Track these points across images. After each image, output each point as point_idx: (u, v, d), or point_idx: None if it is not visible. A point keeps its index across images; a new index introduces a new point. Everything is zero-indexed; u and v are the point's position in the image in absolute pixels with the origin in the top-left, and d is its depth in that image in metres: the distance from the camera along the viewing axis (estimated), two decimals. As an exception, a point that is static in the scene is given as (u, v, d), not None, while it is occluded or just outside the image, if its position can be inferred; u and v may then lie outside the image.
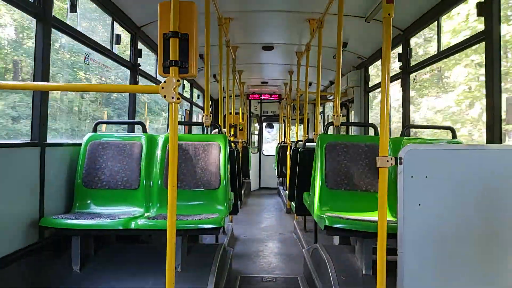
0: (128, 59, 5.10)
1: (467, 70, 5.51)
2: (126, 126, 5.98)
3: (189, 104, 9.23)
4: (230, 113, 8.95)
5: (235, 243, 5.86)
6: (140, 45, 5.34)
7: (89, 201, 3.67)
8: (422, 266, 2.29)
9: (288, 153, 8.46)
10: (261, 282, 4.19)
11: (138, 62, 5.23)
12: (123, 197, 3.72)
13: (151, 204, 3.73)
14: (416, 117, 7.21)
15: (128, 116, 5.23)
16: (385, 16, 2.42)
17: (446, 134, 4.17)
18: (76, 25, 3.90)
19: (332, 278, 3.05)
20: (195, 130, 10.23)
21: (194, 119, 9.80)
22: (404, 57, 5.19)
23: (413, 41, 5.19)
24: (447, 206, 2.31)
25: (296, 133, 8.64)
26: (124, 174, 3.77)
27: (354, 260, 3.34)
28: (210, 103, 5.93)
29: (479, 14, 3.38)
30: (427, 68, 4.97)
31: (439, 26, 4.38)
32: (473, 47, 3.74)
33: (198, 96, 10.20)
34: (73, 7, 3.78)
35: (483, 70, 3.43)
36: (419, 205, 2.29)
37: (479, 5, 3.37)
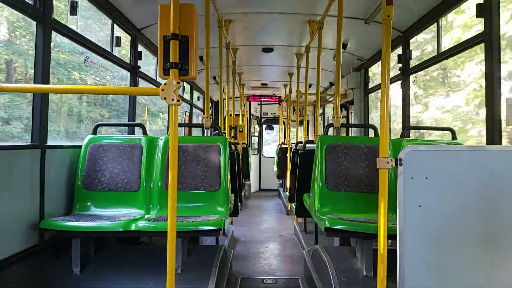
0: (128, 61, 5.11)
1: (479, 67, 5.35)
2: (121, 127, 6.00)
3: (189, 106, 9.25)
4: (230, 115, 8.97)
5: (236, 245, 5.85)
6: (140, 47, 5.35)
7: (89, 203, 3.68)
8: (423, 267, 2.29)
9: (288, 154, 8.46)
10: (262, 283, 4.19)
11: (138, 64, 5.23)
12: (124, 199, 3.73)
13: (151, 206, 3.73)
14: (424, 117, 7.13)
15: (128, 118, 5.23)
16: (385, 18, 2.43)
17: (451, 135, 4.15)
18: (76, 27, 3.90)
19: (333, 279, 3.05)
20: (195, 132, 10.24)
21: (194, 121, 9.82)
22: (404, 59, 5.19)
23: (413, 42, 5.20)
24: (447, 207, 2.31)
25: (296, 134, 8.64)
26: (124, 176, 3.77)
27: (354, 261, 3.34)
28: (210, 105, 5.94)
29: (478, 16, 3.39)
30: (434, 66, 4.92)
31: (438, 28, 4.39)
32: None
33: (198, 98, 10.21)
34: (73, 10, 3.79)
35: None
36: (419, 206, 2.29)
37: (478, 7, 3.38)
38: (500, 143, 3.22)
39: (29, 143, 3.13)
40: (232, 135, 9.58)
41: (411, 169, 2.29)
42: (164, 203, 3.64)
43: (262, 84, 10.93)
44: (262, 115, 13.62)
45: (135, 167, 3.81)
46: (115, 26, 4.70)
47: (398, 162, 2.29)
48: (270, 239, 6.36)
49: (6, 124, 4.42)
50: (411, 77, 5.23)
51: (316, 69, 5.49)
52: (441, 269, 2.29)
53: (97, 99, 6.71)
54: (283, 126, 12.13)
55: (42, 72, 3.14)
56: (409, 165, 2.29)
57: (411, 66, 5.14)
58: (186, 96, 9.04)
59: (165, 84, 2.19)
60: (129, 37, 5.16)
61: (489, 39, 3.28)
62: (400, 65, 5.29)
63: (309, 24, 5.49)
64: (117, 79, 6.46)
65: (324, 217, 3.15)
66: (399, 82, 5.34)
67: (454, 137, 4.05)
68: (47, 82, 3.20)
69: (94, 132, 4.01)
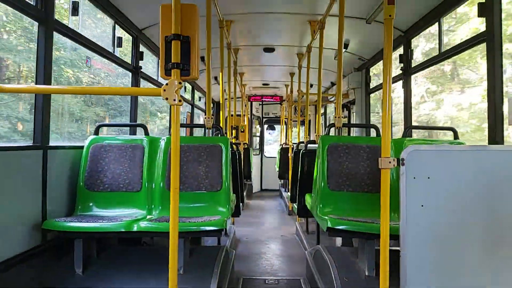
0: (130, 62, 5.11)
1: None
2: (118, 128, 5.99)
3: (190, 106, 9.25)
4: (232, 115, 8.97)
5: (237, 245, 5.85)
6: (142, 48, 5.36)
7: (91, 204, 3.68)
8: (425, 267, 2.28)
9: (289, 154, 8.46)
10: (264, 284, 4.19)
11: (140, 64, 5.24)
12: (125, 199, 3.73)
13: (153, 206, 3.73)
14: (439, 115, 6.99)
15: (130, 118, 5.24)
16: (386, 18, 2.42)
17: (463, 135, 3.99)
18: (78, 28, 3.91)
19: (335, 279, 3.05)
20: (197, 132, 10.25)
21: (195, 122, 9.82)
22: (405, 58, 5.19)
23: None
24: (449, 207, 2.31)
25: (298, 134, 8.64)
26: (126, 176, 3.77)
27: (356, 261, 3.33)
28: (212, 105, 5.94)
29: (480, 15, 3.38)
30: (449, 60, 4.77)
31: (440, 27, 4.38)
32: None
33: (200, 98, 10.22)
34: (75, 11, 3.80)
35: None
36: (422, 206, 2.29)
37: (480, 6, 3.37)
38: (503, 143, 3.21)
39: (31, 144, 3.14)
40: (233, 135, 9.58)
41: (413, 169, 2.29)
42: (166, 203, 3.64)
43: (263, 84, 10.94)
44: (264, 115, 13.62)
45: (137, 168, 3.81)
46: (116, 26, 4.70)
47: (400, 162, 2.28)
48: (272, 239, 6.35)
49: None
50: (420, 73, 5.17)
51: (318, 69, 5.48)
52: (443, 269, 2.29)
53: (92, 97, 6.53)
54: (285, 126, 12.12)
55: (44, 73, 3.15)
56: (411, 165, 2.29)
57: (412, 66, 5.13)
58: (188, 97, 9.05)
59: (166, 84, 2.19)
60: (130, 38, 5.17)
61: (490, 38, 3.28)
62: (401, 64, 5.28)
63: (310, 24, 5.49)
64: (112, 77, 6.39)
65: (326, 217, 3.15)
66: (401, 82, 5.33)
67: (456, 136, 4.04)
68: (49, 83, 3.21)
69: (96, 132, 4.01)
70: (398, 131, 6.96)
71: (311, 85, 8.57)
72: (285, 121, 12.07)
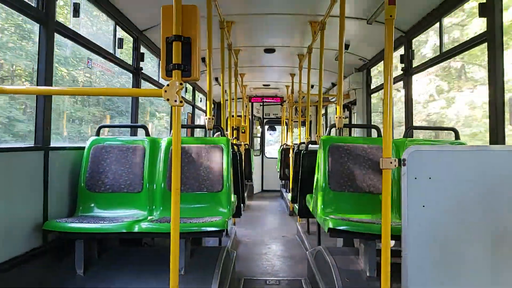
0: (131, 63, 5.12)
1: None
2: (116, 129, 5.98)
3: (191, 107, 9.26)
4: (233, 116, 8.98)
5: (238, 246, 5.85)
6: (143, 49, 5.37)
7: (92, 205, 3.68)
8: (427, 268, 2.28)
9: (290, 155, 8.46)
10: (265, 284, 4.19)
11: (141, 66, 5.25)
12: (127, 200, 3.73)
13: (154, 207, 3.73)
14: (451, 114, 6.88)
15: (130, 119, 5.25)
16: (387, 18, 2.43)
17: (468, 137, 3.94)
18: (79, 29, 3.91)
19: (336, 280, 3.04)
20: (198, 133, 10.26)
21: (196, 122, 9.83)
22: (406, 59, 5.18)
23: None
24: (451, 207, 2.30)
25: (299, 135, 8.64)
26: (127, 177, 3.78)
27: (358, 262, 3.33)
28: (213, 106, 5.94)
29: (481, 15, 3.38)
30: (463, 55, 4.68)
31: (441, 27, 4.38)
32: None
33: (201, 99, 10.22)
34: (76, 12, 3.81)
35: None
36: (423, 206, 2.29)
37: (481, 6, 3.37)
38: (504, 143, 3.21)
39: (32, 145, 3.15)
40: (234, 136, 9.59)
41: (414, 169, 2.29)
42: (167, 204, 3.64)
43: (264, 85, 10.94)
44: (264, 116, 13.62)
45: (138, 169, 3.81)
46: (117, 27, 4.71)
47: (402, 162, 2.28)
48: (273, 240, 6.35)
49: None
50: (427, 71, 5.13)
51: (318, 70, 5.48)
52: (445, 269, 2.29)
53: (89, 97, 6.46)
54: (286, 126, 12.13)
55: (45, 74, 3.15)
56: (412, 165, 2.29)
57: (413, 66, 5.13)
58: (189, 97, 9.06)
59: (167, 85, 2.19)
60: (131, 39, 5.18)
61: (491, 39, 3.27)
62: (402, 65, 5.28)
63: (311, 25, 5.49)
64: (108, 75, 6.36)
65: (328, 218, 3.15)
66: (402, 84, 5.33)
67: (457, 137, 4.04)
68: (50, 84, 3.21)
69: (97, 133, 4.02)
70: (403, 131, 6.93)
71: (312, 86, 8.57)
72: (286, 122, 12.07)
